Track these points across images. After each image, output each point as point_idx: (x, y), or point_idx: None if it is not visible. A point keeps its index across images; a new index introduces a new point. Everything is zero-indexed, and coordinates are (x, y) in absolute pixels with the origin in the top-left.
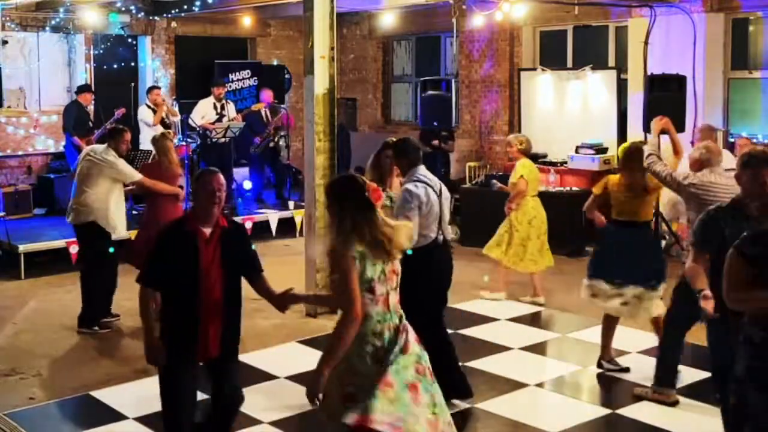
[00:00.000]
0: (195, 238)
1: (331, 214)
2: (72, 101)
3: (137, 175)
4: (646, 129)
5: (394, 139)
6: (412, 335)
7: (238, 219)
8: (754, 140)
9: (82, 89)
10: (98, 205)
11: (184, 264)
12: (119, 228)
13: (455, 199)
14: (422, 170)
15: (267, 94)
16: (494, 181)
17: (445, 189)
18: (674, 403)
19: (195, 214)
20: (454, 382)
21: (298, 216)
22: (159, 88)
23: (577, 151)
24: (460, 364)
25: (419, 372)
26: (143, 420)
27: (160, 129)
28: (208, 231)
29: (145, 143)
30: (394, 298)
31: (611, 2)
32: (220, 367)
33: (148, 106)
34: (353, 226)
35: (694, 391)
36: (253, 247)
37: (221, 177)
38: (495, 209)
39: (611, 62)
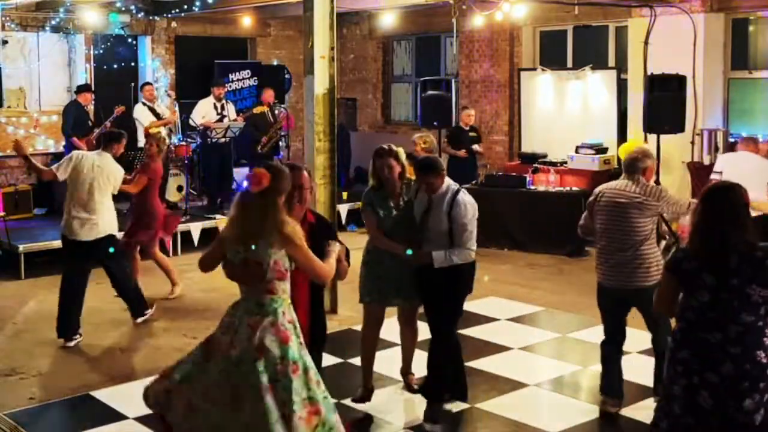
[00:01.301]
0: None
1: None
2: (71, 102)
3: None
4: (647, 129)
5: (392, 147)
6: (270, 332)
7: None
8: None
9: (81, 89)
10: (112, 215)
11: None
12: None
13: None
14: (451, 181)
15: (268, 94)
16: None
17: None
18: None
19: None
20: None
21: None
22: (151, 84)
23: (577, 151)
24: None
25: (279, 372)
26: (143, 420)
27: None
28: None
29: (143, 142)
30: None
31: (611, 2)
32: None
33: (144, 104)
34: None
35: None
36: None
37: (303, 174)
38: (494, 209)
39: (611, 62)
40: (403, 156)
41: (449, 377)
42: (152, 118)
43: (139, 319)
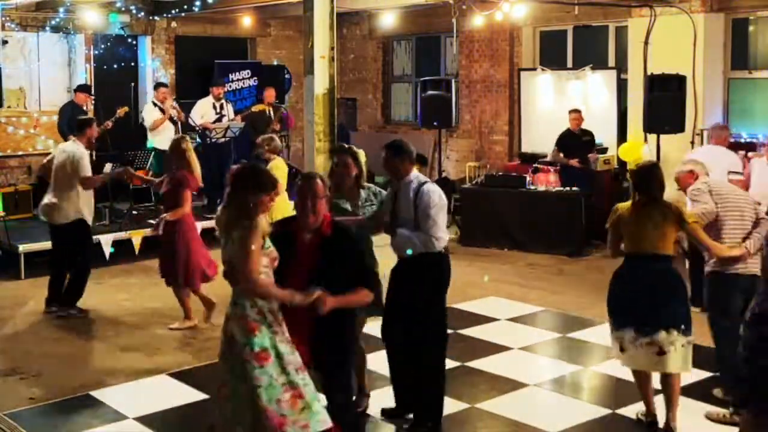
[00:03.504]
0: (294, 241)
1: None
2: (67, 102)
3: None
4: (647, 129)
5: (352, 147)
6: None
7: None
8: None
9: (78, 89)
10: (80, 200)
11: (280, 264)
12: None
13: (455, 199)
14: (417, 172)
15: (269, 93)
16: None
17: None
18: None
19: (298, 218)
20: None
21: None
22: (166, 85)
23: None
24: (459, 364)
25: (245, 360)
26: (143, 420)
27: (164, 129)
28: (308, 236)
29: (151, 141)
30: None
31: (611, 2)
32: (322, 381)
33: (155, 104)
34: None
35: (692, 391)
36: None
37: (316, 183)
38: (494, 209)
39: (611, 62)
40: (363, 158)
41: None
42: (159, 116)
43: (62, 312)
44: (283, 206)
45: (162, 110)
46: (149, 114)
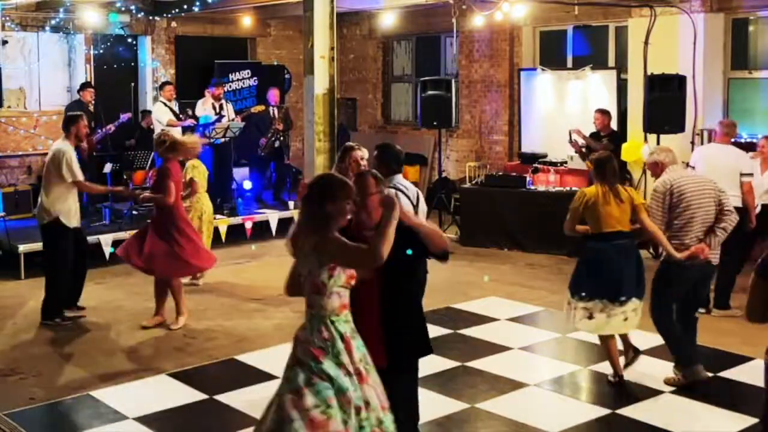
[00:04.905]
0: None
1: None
2: (73, 101)
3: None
4: (647, 129)
5: (353, 144)
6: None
7: (238, 219)
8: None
9: (83, 86)
10: (57, 200)
11: None
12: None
13: (455, 200)
14: (399, 178)
15: (273, 94)
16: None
17: (422, 199)
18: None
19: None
20: None
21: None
22: (171, 84)
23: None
24: (459, 364)
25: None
26: (143, 420)
27: (175, 130)
28: (368, 235)
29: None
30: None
31: (611, 2)
32: (390, 382)
33: (164, 103)
34: None
35: (694, 391)
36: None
37: (367, 179)
38: (494, 209)
39: (611, 62)
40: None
41: None
42: (171, 116)
43: (45, 321)
44: (206, 203)
45: (171, 109)
46: (164, 114)
